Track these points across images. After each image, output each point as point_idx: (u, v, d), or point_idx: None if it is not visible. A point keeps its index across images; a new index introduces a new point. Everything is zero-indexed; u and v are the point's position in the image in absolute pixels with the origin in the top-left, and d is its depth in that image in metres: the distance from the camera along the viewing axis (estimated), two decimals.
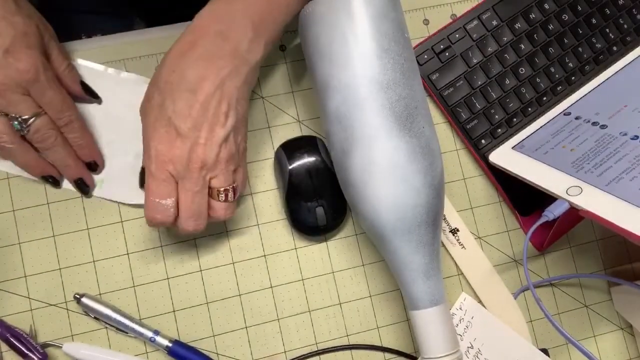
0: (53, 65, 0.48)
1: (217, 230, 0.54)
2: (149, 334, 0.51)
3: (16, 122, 0.45)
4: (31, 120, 0.45)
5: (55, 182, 0.51)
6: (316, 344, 0.54)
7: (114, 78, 0.54)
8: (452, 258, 0.57)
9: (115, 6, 0.73)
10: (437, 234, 0.48)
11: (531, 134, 0.57)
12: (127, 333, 0.51)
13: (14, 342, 0.49)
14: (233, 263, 0.54)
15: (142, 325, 0.51)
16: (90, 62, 0.54)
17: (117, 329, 0.51)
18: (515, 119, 0.58)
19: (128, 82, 0.54)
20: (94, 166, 0.52)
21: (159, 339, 0.51)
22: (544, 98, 0.59)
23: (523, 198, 0.57)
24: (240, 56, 0.45)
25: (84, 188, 0.51)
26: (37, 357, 0.49)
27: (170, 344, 0.51)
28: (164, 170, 0.44)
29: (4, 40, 0.43)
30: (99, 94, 0.53)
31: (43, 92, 0.45)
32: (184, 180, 0.45)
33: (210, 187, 0.46)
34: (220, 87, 0.44)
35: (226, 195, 0.47)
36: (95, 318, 0.51)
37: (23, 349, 0.49)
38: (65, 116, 0.47)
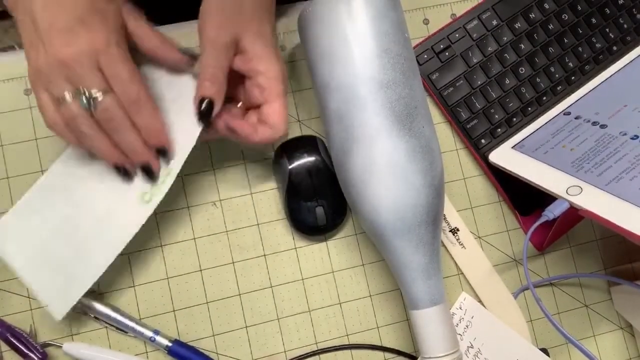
0: (146, 44, 0.46)
1: (217, 230, 0.54)
2: (149, 333, 0.51)
3: (84, 99, 0.43)
4: (99, 97, 0.43)
5: (127, 174, 0.48)
6: (316, 343, 0.54)
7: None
8: (452, 258, 0.57)
9: None
10: (437, 233, 0.48)
11: (531, 133, 0.57)
12: (126, 333, 0.51)
13: (14, 341, 0.49)
14: (233, 263, 0.54)
15: (142, 325, 0.51)
16: None
17: (117, 328, 0.51)
18: (515, 119, 0.58)
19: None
20: (164, 152, 0.48)
21: (159, 338, 0.51)
22: (544, 98, 0.59)
23: (523, 198, 0.57)
24: None
25: (150, 175, 0.48)
26: (37, 357, 0.49)
27: (170, 344, 0.51)
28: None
29: (79, 10, 0.41)
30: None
31: (111, 64, 0.43)
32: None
33: None
34: None
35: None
36: (95, 318, 0.51)
37: (23, 348, 0.49)
38: (132, 91, 0.44)
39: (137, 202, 0.49)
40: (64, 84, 0.42)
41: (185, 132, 0.49)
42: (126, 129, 0.45)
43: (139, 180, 0.49)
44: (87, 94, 0.43)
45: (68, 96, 0.42)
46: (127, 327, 0.51)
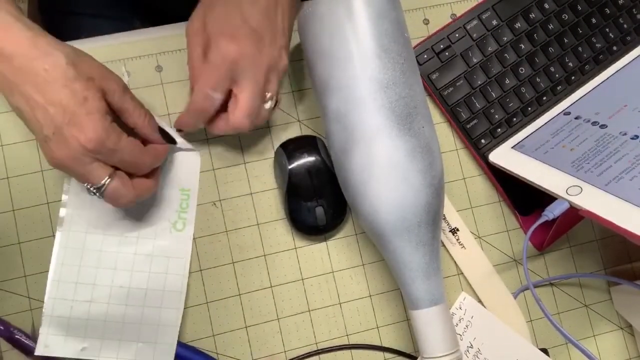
0: (130, 119, 0.46)
1: (217, 230, 0.54)
2: None
3: (91, 189, 0.44)
4: (104, 185, 0.44)
5: None
6: (316, 343, 0.54)
7: None
8: (452, 258, 0.57)
9: (115, 9, 0.73)
10: (437, 233, 0.48)
11: (531, 133, 0.57)
12: None
13: (20, 339, 0.49)
14: (233, 263, 0.54)
15: None
16: None
17: None
18: (515, 119, 0.58)
19: None
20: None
21: None
22: (544, 98, 0.59)
23: (523, 198, 0.57)
24: None
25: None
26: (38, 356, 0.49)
27: None
28: (226, 67, 0.46)
29: (65, 112, 0.42)
30: None
31: (111, 156, 0.43)
32: (247, 78, 0.46)
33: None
34: None
35: (270, 101, 0.48)
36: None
37: (29, 344, 0.49)
38: (139, 171, 0.46)
39: (172, 231, 0.52)
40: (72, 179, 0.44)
41: (189, 158, 0.53)
42: (132, 193, 0.46)
43: (165, 211, 0.52)
44: (92, 188, 0.44)
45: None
46: None
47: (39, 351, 0.48)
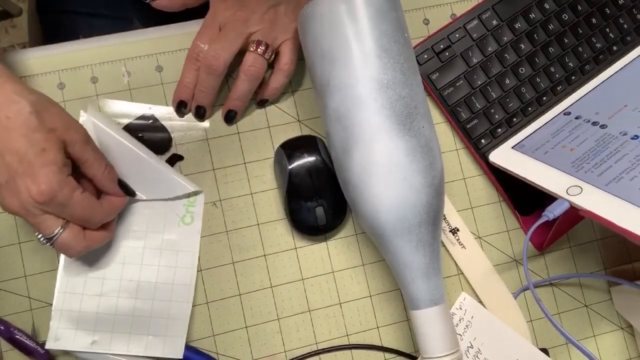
0: (90, 170, 0.46)
1: (217, 230, 0.54)
2: None
3: (41, 239, 0.44)
4: (54, 236, 0.44)
5: None
6: (316, 343, 0.54)
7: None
8: (452, 258, 0.57)
9: (114, 8, 0.72)
10: (437, 233, 0.48)
11: (531, 133, 0.57)
12: None
13: (21, 339, 0.49)
14: (233, 263, 0.54)
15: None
16: (100, 117, 0.52)
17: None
18: (515, 119, 0.58)
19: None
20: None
21: None
22: (544, 98, 0.59)
23: (523, 198, 0.57)
24: None
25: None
26: (39, 355, 0.49)
27: None
28: (214, 25, 0.51)
29: (21, 161, 0.41)
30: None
31: (62, 210, 0.43)
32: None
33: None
34: None
35: (257, 46, 0.51)
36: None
37: (30, 344, 0.49)
38: (91, 225, 0.46)
39: (180, 225, 0.53)
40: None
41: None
42: (82, 245, 0.46)
43: (174, 205, 0.53)
44: (42, 238, 0.44)
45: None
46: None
47: (49, 345, 0.49)
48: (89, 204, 0.45)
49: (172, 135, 0.54)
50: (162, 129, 0.54)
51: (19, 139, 0.41)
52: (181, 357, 0.51)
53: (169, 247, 0.52)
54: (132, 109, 0.54)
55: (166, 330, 0.51)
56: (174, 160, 0.54)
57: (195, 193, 0.53)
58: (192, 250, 0.52)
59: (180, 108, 0.54)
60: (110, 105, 0.54)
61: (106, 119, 0.52)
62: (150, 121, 0.54)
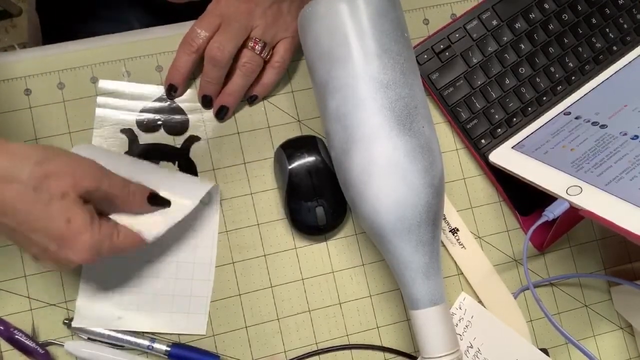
0: (116, 201, 0.44)
1: (217, 230, 0.54)
2: (145, 342, 0.51)
3: None
4: None
5: None
6: (316, 343, 0.54)
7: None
8: (452, 258, 0.57)
9: (113, 8, 0.72)
10: (437, 233, 0.48)
11: (531, 133, 0.57)
12: (123, 347, 0.51)
13: (20, 339, 0.49)
14: (233, 263, 0.54)
15: (137, 336, 0.51)
16: (92, 149, 0.51)
17: (112, 344, 0.51)
18: (515, 119, 0.58)
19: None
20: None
21: (156, 345, 0.51)
22: (544, 98, 0.59)
23: (523, 198, 0.57)
24: None
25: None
26: (39, 356, 0.49)
27: (168, 348, 0.51)
28: (216, 14, 0.51)
29: (51, 239, 0.40)
30: None
31: (108, 254, 0.43)
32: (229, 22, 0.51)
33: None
34: None
35: (255, 44, 0.52)
36: (89, 339, 0.51)
37: (30, 344, 0.49)
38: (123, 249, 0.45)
39: (199, 205, 0.52)
40: None
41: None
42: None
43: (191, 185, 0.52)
44: None
45: None
46: (122, 341, 0.51)
47: (76, 323, 0.50)
48: (127, 237, 0.45)
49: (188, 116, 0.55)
50: (180, 110, 0.55)
51: (38, 221, 0.39)
52: (204, 333, 0.52)
53: (189, 227, 0.53)
54: (144, 90, 0.55)
55: (189, 307, 0.52)
56: (192, 141, 0.54)
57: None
58: (211, 228, 0.54)
59: (170, 92, 0.54)
60: (122, 86, 0.55)
61: (99, 148, 0.52)
62: (167, 103, 0.55)
